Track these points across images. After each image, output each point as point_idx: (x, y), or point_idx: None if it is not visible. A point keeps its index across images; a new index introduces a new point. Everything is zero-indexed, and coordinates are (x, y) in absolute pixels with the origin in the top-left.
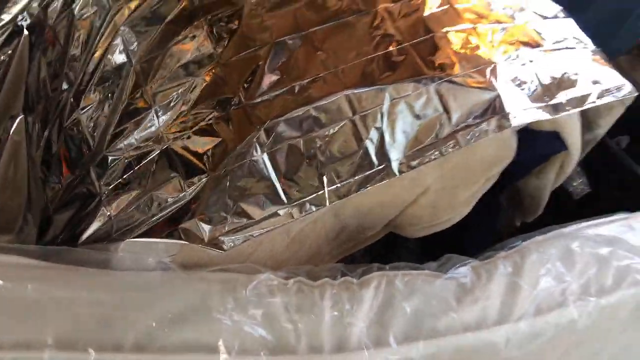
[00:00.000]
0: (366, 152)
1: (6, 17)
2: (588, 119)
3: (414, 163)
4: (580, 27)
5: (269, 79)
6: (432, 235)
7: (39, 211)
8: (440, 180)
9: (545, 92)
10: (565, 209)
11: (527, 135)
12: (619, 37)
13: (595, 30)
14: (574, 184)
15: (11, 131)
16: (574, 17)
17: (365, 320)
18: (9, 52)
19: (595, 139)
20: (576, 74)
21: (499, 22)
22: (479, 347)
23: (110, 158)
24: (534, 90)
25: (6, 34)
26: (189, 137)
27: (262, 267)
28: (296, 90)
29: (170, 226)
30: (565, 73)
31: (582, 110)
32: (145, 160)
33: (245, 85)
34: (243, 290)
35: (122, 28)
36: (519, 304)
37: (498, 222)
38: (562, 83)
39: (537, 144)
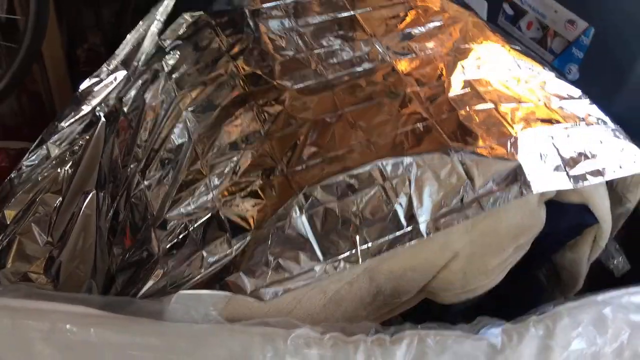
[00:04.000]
0: (395, 215)
1: (86, 109)
2: (617, 194)
3: (440, 225)
4: (611, 112)
5: (308, 150)
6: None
7: (102, 278)
8: (469, 246)
9: (566, 164)
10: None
11: (557, 207)
12: None
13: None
14: (615, 262)
15: (84, 206)
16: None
17: None
18: (87, 137)
19: (627, 213)
20: (596, 148)
21: (519, 101)
22: None
23: (169, 222)
24: (554, 162)
25: (85, 122)
26: (237, 202)
27: (300, 322)
28: (332, 160)
29: (217, 280)
30: (585, 147)
31: (610, 185)
32: (198, 223)
33: (287, 156)
34: (282, 341)
35: (184, 113)
36: None
37: (539, 299)
38: (582, 156)
39: (567, 216)
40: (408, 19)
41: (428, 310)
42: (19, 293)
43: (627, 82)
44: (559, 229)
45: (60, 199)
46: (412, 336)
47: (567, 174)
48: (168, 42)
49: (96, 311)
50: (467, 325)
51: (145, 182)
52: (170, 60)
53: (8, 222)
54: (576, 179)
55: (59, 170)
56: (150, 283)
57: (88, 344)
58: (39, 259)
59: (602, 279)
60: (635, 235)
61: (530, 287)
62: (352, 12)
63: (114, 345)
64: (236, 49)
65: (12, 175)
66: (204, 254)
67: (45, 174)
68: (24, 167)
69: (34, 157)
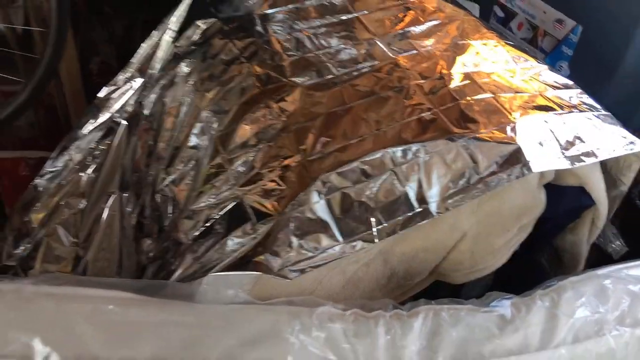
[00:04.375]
0: (407, 197)
1: (105, 115)
2: (611, 177)
3: (449, 205)
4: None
5: (323, 141)
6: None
7: (128, 276)
8: (476, 227)
9: (562, 147)
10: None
11: (556, 191)
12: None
13: (618, 108)
14: (613, 245)
15: (107, 206)
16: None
17: (416, 344)
18: (107, 142)
19: (620, 195)
20: (590, 132)
21: (516, 91)
22: None
23: (195, 212)
24: (552, 145)
25: (105, 128)
26: (259, 190)
27: (317, 300)
28: (345, 149)
29: (245, 262)
30: (579, 131)
31: (605, 168)
32: (223, 211)
33: (303, 147)
34: (307, 317)
35: (203, 112)
36: (558, 331)
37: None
38: (577, 139)
39: (566, 198)
40: (407, 19)
41: (437, 296)
42: (60, 281)
43: (614, 76)
44: (559, 212)
45: (85, 201)
46: (428, 310)
47: (564, 155)
48: (183, 48)
49: (133, 295)
50: (477, 300)
51: (170, 178)
52: (186, 65)
53: (35, 225)
54: (572, 159)
55: (81, 174)
56: (180, 270)
57: (128, 323)
58: (66, 259)
59: (601, 262)
60: (631, 219)
61: (533, 271)
62: (353, 14)
63: (152, 324)
64: (248, 52)
65: (36, 181)
66: (231, 239)
67: (69, 179)
68: (47, 174)
69: (56, 164)
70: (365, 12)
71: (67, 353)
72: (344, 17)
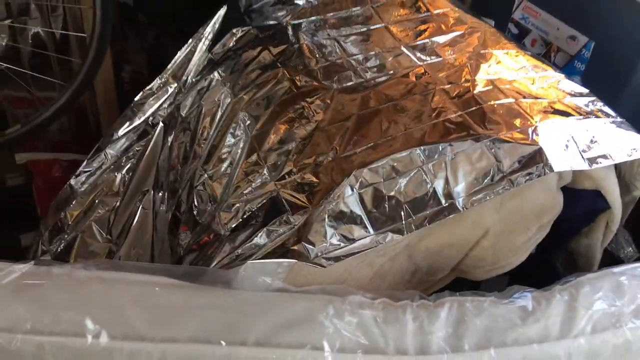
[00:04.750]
0: (435, 193)
1: (141, 118)
2: (625, 182)
3: (474, 200)
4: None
5: (355, 139)
6: None
7: None
8: (498, 224)
9: (580, 149)
10: None
11: (573, 194)
12: None
13: (630, 121)
14: (625, 251)
15: (142, 204)
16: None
17: (442, 331)
18: (142, 144)
19: (633, 200)
20: (606, 137)
21: (536, 97)
22: (544, 359)
23: (233, 205)
24: (571, 147)
25: (140, 130)
26: (295, 185)
27: (348, 288)
28: (376, 147)
29: (281, 250)
30: (596, 135)
31: (619, 174)
32: (260, 204)
33: (337, 145)
34: (340, 304)
35: (240, 113)
36: (577, 322)
37: None
38: (594, 143)
39: (582, 201)
40: (431, 29)
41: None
42: (107, 266)
43: (626, 90)
44: (575, 214)
45: (119, 199)
46: (452, 301)
47: (582, 157)
48: (219, 55)
49: (175, 280)
50: (499, 293)
51: (207, 174)
52: (223, 70)
53: (70, 222)
54: (590, 161)
55: (116, 174)
56: (218, 259)
57: (171, 306)
58: (100, 255)
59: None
60: None
61: (548, 274)
62: (380, 24)
63: (194, 307)
64: (282, 57)
65: (72, 181)
66: (268, 229)
67: (105, 178)
68: (82, 173)
69: (91, 164)
70: (391, 22)
71: (115, 332)
72: (372, 27)
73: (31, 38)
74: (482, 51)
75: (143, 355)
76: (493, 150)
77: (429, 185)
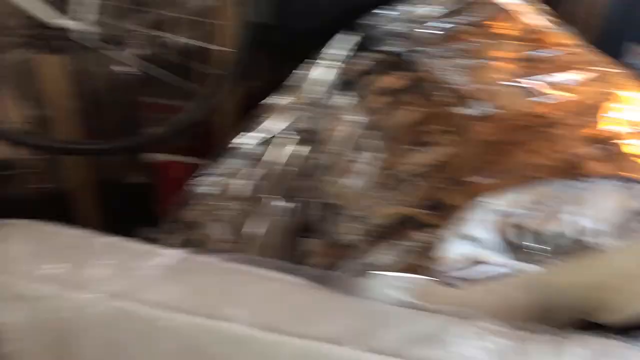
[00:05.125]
0: (573, 229)
1: (262, 131)
2: None
3: (616, 241)
4: None
5: (485, 165)
6: None
7: None
8: (636, 269)
9: None
10: None
11: None
12: None
13: None
14: None
15: (272, 211)
16: None
17: None
18: (266, 153)
19: None
20: None
21: None
22: None
23: (361, 218)
24: None
25: (262, 141)
26: (426, 203)
27: (476, 312)
28: (509, 175)
29: (409, 266)
30: None
31: None
32: (390, 220)
33: (466, 170)
34: (467, 326)
35: (371, 133)
36: None
37: None
38: None
39: None
40: (562, 65)
41: None
42: (242, 259)
43: None
44: None
45: (241, 204)
46: (580, 339)
47: None
48: (348, 76)
49: (309, 282)
50: (628, 338)
51: (336, 186)
52: (352, 90)
53: (190, 223)
54: None
55: (239, 181)
56: (344, 268)
57: (306, 306)
58: None
59: None
60: None
61: None
62: (512, 55)
63: (327, 309)
64: (414, 83)
65: (195, 183)
66: (396, 243)
67: (226, 183)
68: (204, 178)
69: (214, 169)
70: (519, 55)
71: (254, 322)
72: (499, 55)
73: (176, 49)
74: (607, 90)
75: (279, 346)
76: (633, 191)
77: (566, 224)
